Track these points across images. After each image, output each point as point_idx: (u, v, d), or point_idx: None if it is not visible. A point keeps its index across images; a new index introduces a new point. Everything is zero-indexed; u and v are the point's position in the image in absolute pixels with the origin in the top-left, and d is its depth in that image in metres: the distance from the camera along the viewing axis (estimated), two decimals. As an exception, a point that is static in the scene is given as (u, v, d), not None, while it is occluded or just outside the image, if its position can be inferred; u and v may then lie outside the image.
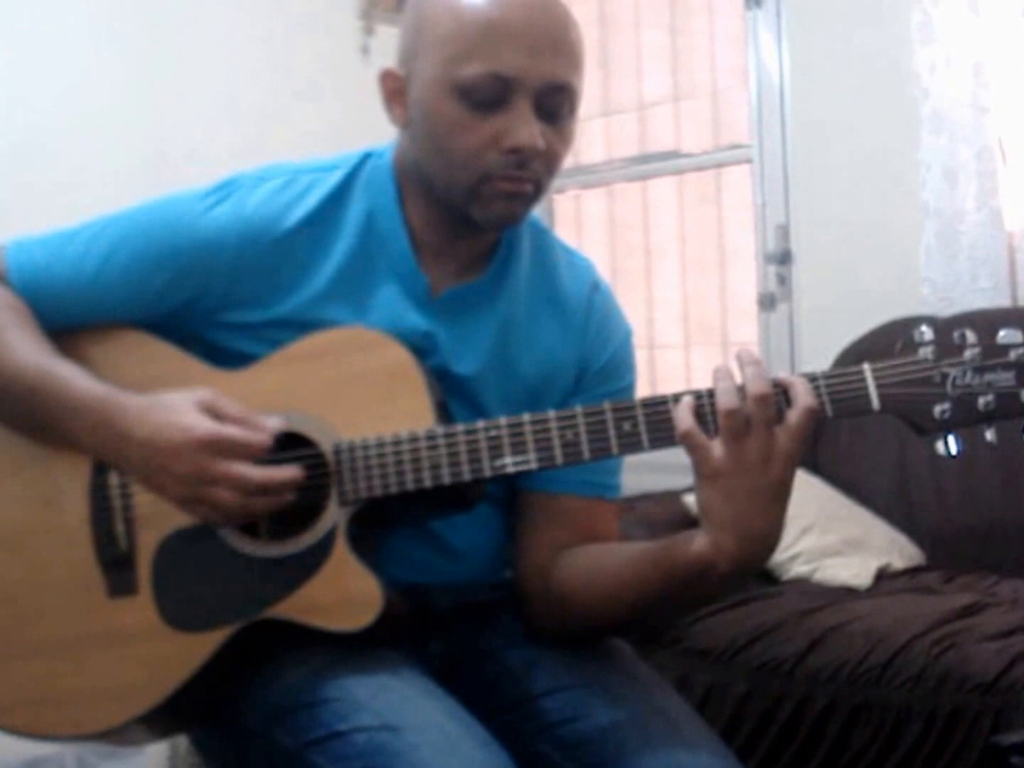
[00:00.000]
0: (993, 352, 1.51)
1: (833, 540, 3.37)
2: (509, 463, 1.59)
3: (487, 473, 1.59)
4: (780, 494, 1.50)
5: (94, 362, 1.75)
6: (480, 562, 1.84)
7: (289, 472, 1.60)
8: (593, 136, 5.06)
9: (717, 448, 1.49)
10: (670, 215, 4.83)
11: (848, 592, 3.17)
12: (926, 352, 1.51)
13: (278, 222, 1.74)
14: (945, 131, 3.75)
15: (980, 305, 3.52)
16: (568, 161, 4.77)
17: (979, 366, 1.50)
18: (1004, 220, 3.68)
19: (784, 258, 4.30)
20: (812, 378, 1.52)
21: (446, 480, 1.60)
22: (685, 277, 4.77)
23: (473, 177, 1.66)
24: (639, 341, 4.67)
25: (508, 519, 1.85)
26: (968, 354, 1.51)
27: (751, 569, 1.56)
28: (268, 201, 1.75)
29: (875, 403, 1.51)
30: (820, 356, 3.66)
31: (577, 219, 5.12)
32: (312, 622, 1.61)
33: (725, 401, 1.48)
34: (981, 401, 1.49)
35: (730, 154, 4.62)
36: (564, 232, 5.07)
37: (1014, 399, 1.49)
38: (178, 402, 1.62)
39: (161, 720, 1.71)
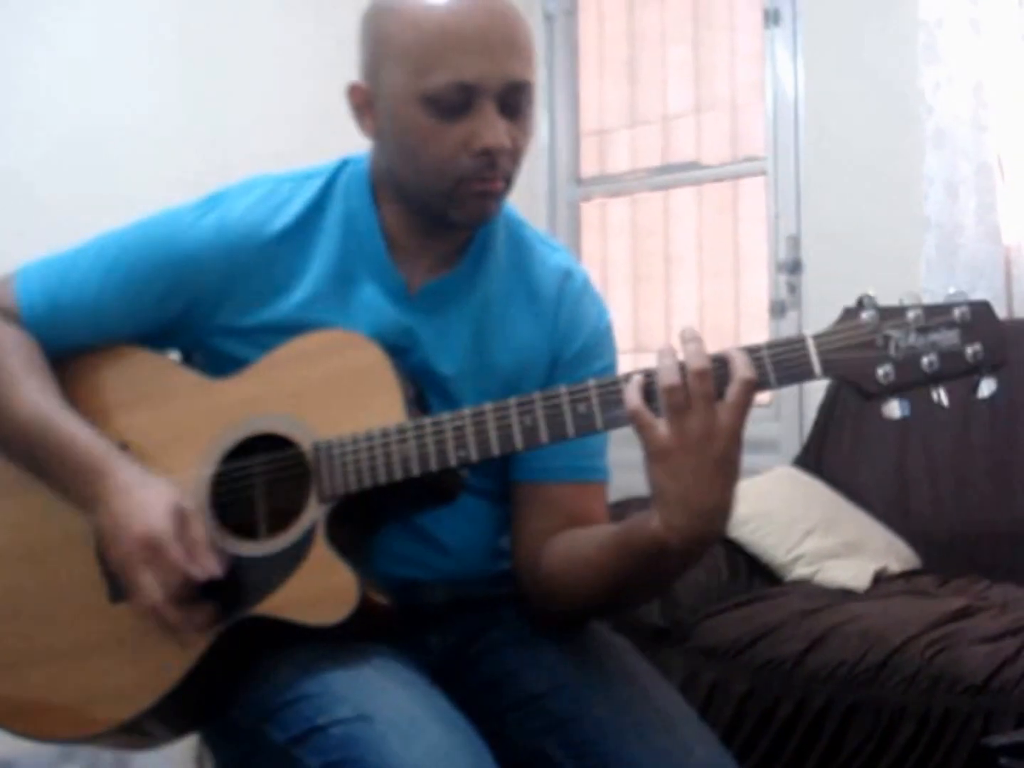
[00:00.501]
0: (936, 312, 1.42)
1: (834, 543, 3.34)
2: (473, 453, 1.57)
3: (452, 463, 1.58)
4: (725, 469, 1.46)
5: (94, 385, 1.78)
6: (472, 556, 1.82)
7: (185, 620, 1.60)
8: (619, 146, 5.05)
9: (662, 426, 1.45)
10: (689, 224, 4.80)
11: (847, 594, 3.13)
12: (869, 316, 1.44)
13: (262, 228, 1.76)
14: (947, 147, 3.73)
15: (978, 317, 3.47)
16: (595, 170, 4.77)
17: (922, 326, 1.42)
18: (1001, 234, 3.66)
19: (794, 267, 4.28)
20: (755, 349, 1.47)
21: (415, 472, 1.59)
22: (702, 283, 4.74)
23: (447, 181, 1.66)
24: (656, 346, 4.69)
25: (500, 512, 1.84)
26: (911, 315, 1.43)
27: (704, 544, 1.52)
28: (252, 209, 1.77)
29: (817, 369, 1.45)
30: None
31: (603, 226, 5.09)
32: (293, 618, 1.60)
33: (666, 377, 1.44)
34: (924, 361, 1.41)
35: (746, 166, 4.60)
36: (589, 238, 5.10)
37: (959, 358, 1.41)
38: (160, 496, 1.63)
39: (159, 721, 1.70)
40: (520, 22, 1.67)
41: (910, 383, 1.43)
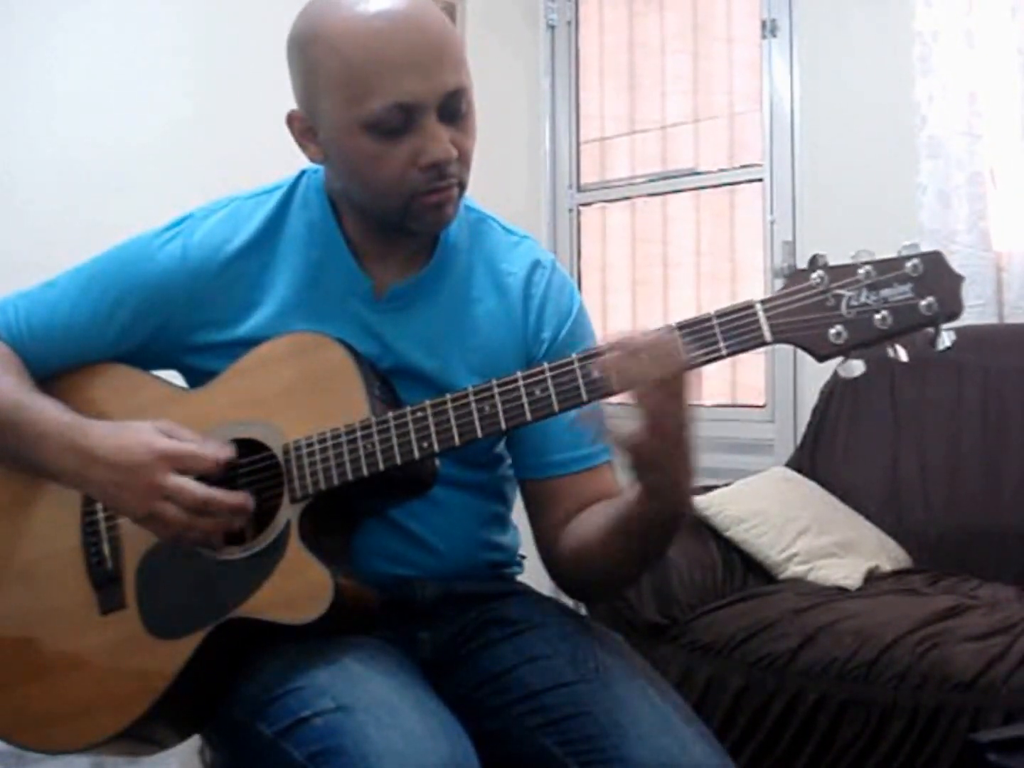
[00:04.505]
0: (888, 267, 1.38)
1: (827, 542, 3.33)
2: (436, 444, 1.57)
3: (416, 455, 1.58)
4: (691, 445, 1.49)
5: (72, 402, 1.77)
6: (458, 551, 1.82)
7: (233, 497, 1.62)
8: (619, 153, 5.05)
9: (644, 440, 1.44)
10: (687, 229, 4.80)
11: (839, 592, 3.12)
12: (818, 276, 1.40)
13: (222, 248, 1.77)
14: (940, 156, 3.73)
15: (969, 321, 3.45)
16: (595, 176, 4.76)
17: (874, 282, 1.38)
18: (992, 241, 3.66)
19: (790, 272, 4.23)
20: (705, 319, 1.44)
21: (381, 467, 1.59)
22: (699, 288, 4.74)
23: (401, 199, 1.66)
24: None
25: (482, 504, 1.86)
26: (862, 272, 1.38)
27: (690, 504, 1.61)
28: (213, 230, 1.78)
29: (768, 336, 1.42)
30: (820, 367, 3.62)
31: (602, 230, 5.09)
32: (273, 618, 1.61)
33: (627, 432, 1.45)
34: (877, 318, 1.37)
35: (743, 173, 4.59)
36: (589, 242, 5.11)
37: (913, 311, 1.37)
38: (139, 425, 1.66)
39: (158, 723, 1.71)
40: (445, 28, 1.64)
41: (864, 341, 1.39)
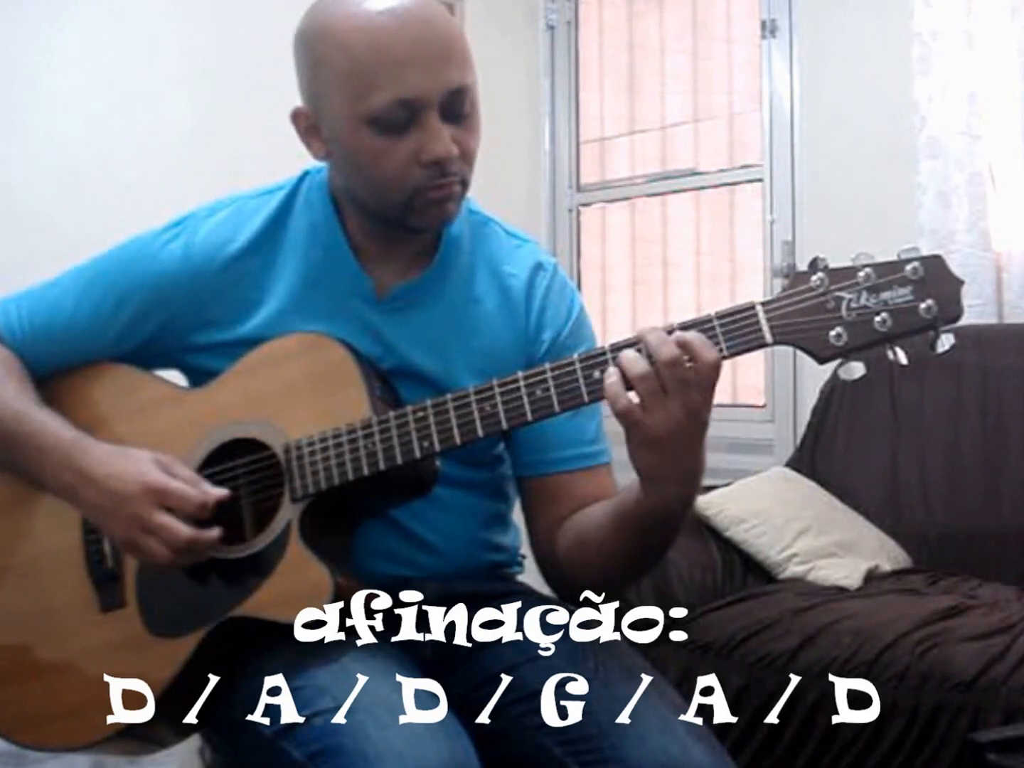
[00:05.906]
0: (888, 270, 1.39)
1: (827, 542, 3.33)
2: (437, 443, 1.57)
3: (417, 455, 1.58)
4: (702, 436, 1.49)
5: (73, 402, 1.80)
6: (458, 551, 1.82)
7: (217, 534, 1.62)
8: (619, 154, 5.05)
9: (648, 416, 1.45)
10: (687, 229, 4.80)
11: (839, 592, 3.12)
12: (818, 279, 1.40)
13: (224, 248, 1.77)
14: (940, 156, 3.73)
15: (969, 321, 3.45)
16: (595, 176, 4.75)
17: (874, 285, 1.38)
18: (992, 241, 3.66)
19: (790, 272, 4.24)
20: (706, 320, 1.45)
21: (382, 466, 1.59)
22: (699, 288, 4.74)
23: (403, 195, 1.66)
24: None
25: (482, 503, 1.86)
26: (862, 274, 1.38)
27: (693, 501, 1.58)
28: (216, 230, 1.78)
29: (768, 337, 1.42)
30: (820, 367, 3.62)
31: (602, 231, 5.09)
32: (273, 617, 1.60)
33: (635, 367, 1.44)
34: (877, 320, 1.37)
35: (743, 173, 4.59)
36: (589, 242, 5.12)
37: (912, 314, 1.37)
38: (138, 454, 1.66)
39: (157, 723, 1.70)
40: (451, 27, 1.65)
41: (864, 344, 1.40)
